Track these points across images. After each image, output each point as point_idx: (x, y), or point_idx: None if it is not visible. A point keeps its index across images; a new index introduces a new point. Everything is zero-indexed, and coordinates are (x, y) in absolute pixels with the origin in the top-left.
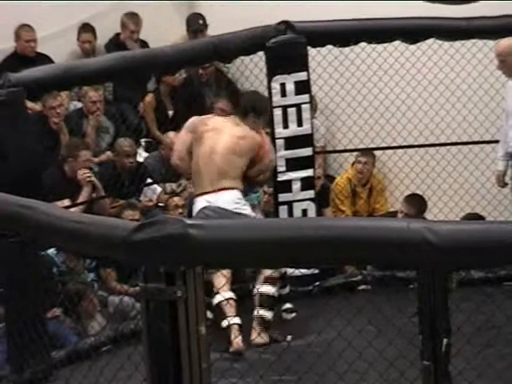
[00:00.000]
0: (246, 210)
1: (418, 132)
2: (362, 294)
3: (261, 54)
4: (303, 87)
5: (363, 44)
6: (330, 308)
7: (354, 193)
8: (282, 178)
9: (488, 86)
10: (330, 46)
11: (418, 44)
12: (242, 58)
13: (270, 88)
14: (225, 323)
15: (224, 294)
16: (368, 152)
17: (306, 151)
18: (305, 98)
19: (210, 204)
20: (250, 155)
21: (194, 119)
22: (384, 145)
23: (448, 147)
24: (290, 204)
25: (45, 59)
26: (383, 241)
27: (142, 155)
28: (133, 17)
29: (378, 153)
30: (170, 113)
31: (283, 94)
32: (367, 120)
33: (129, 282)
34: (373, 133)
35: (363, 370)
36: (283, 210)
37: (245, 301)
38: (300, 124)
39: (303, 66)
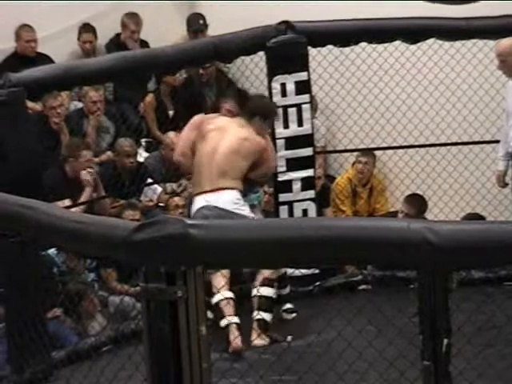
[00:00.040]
0: (245, 210)
1: (418, 132)
2: (362, 293)
3: (261, 54)
4: (304, 87)
5: (364, 44)
6: (330, 308)
7: (355, 193)
8: (282, 177)
9: (488, 86)
10: (330, 46)
11: (419, 44)
12: (243, 58)
13: (270, 88)
14: (224, 322)
15: (223, 294)
16: (368, 152)
17: (307, 151)
18: (305, 98)
19: (208, 204)
20: (252, 158)
21: (199, 117)
22: (384, 145)
23: (448, 147)
24: (290, 204)
25: (45, 59)
26: (384, 241)
27: (142, 155)
28: (133, 17)
29: (378, 153)
30: (171, 113)
31: (284, 94)
32: (368, 120)
33: (129, 282)
34: (373, 133)
35: (363, 370)
36: (283, 210)
37: (244, 302)
38: (300, 124)
39: (304, 66)
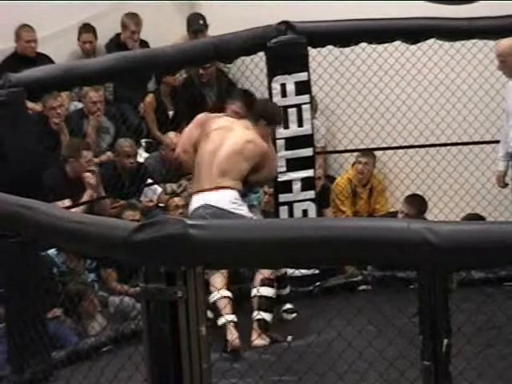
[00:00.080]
0: (243, 210)
1: (418, 132)
2: (362, 294)
3: (261, 54)
4: (304, 87)
5: (364, 44)
6: (330, 308)
7: (355, 193)
8: (282, 178)
9: (488, 87)
10: (330, 47)
11: (419, 44)
12: (243, 58)
13: (270, 88)
14: (221, 321)
15: (221, 292)
16: (368, 152)
17: (307, 151)
18: (305, 98)
19: (205, 203)
20: (254, 161)
21: (203, 115)
22: (384, 145)
23: (448, 148)
24: (290, 204)
25: (45, 59)
26: (384, 241)
27: (142, 156)
28: (133, 17)
29: (378, 153)
30: (171, 113)
31: (284, 94)
32: (368, 120)
33: (129, 283)
34: (373, 133)
35: (363, 370)
36: (283, 211)
37: (243, 302)
38: (300, 124)
39: (304, 66)
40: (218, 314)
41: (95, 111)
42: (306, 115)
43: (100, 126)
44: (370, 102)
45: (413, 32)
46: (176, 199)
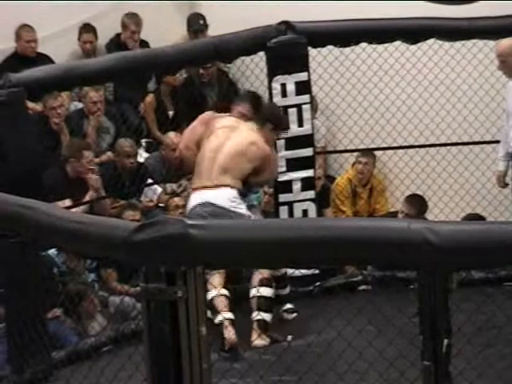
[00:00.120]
0: (242, 209)
1: (418, 132)
2: (362, 294)
3: (261, 54)
4: (304, 87)
5: (364, 44)
6: (330, 308)
7: (355, 193)
8: (282, 178)
9: (489, 87)
10: (330, 47)
11: (419, 44)
12: (243, 58)
13: (270, 88)
14: (218, 319)
15: (217, 290)
16: (368, 152)
17: (307, 151)
18: (305, 98)
19: (204, 201)
20: (256, 163)
21: (208, 114)
22: (384, 145)
23: (448, 148)
24: (290, 204)
25: (45, 59)
26: (384, 241)
27: (142, 155)
28: (133, 17)
29: (378, 153)
30: (171, 113)
31: (284, 94)
32: (368, 120)
33: (129, 283)
34: (373, 133)
35: (363, 370)
36: (283, 211)
37: (242, 303)
38: (301, 124)
39: (304, 66)
40: (215, 311)
41: (95, 111)
42: (306, 115)
43: (100, 126)
44: (370, 101)
45: (413, 32)
46: (176, 199)
